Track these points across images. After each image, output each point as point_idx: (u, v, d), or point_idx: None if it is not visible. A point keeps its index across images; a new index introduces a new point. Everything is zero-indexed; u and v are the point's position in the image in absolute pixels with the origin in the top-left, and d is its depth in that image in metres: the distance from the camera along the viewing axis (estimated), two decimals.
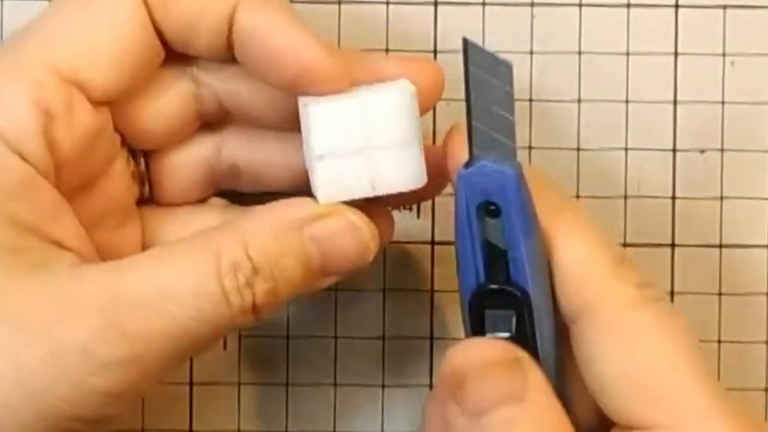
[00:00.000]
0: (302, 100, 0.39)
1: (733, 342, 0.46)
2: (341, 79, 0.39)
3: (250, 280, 0.37)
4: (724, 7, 0.46)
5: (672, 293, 0.46)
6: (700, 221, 0.46)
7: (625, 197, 0.46)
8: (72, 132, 0.38)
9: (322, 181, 0.38)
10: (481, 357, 0.37)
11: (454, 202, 0.37)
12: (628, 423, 0.37)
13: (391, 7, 0.46)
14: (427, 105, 0.40)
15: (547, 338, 0.38)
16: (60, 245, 0.38)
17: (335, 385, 0.46)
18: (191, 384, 0.47)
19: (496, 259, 0.37)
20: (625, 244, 0.46)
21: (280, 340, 0.46)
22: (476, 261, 0.37)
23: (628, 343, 0.37)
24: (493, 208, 0.37)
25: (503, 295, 0.37)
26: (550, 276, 0.38)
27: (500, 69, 0.37)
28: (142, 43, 0.39)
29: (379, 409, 0.46)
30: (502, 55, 0.37)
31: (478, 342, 0.38)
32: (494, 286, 0.37)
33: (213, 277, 0.37)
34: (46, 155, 0.38)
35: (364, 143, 0.38)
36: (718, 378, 0.46)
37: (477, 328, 0.38)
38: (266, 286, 0.37)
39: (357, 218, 0.38)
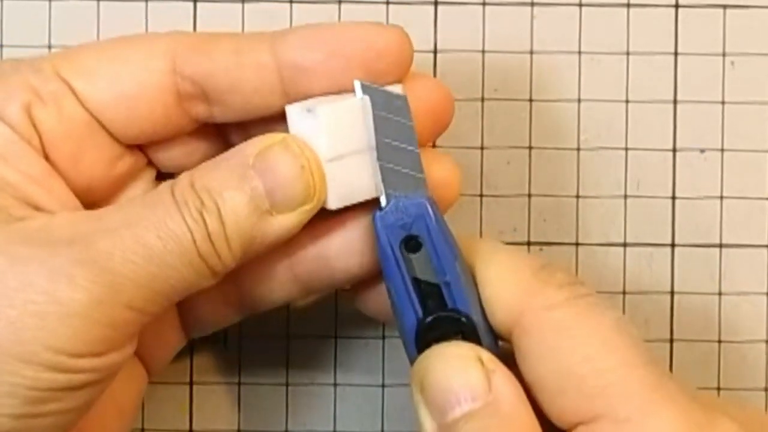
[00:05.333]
0: (298, 106, 0.39)
1: (733, 342, 0.46)
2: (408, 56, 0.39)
3: (200, 208, 0.37)
4: (724, 7, 0.46)
5: (672, 293, 0.46)
6: (700, 221, 0.46)
7: (625, 197, 0.46)
8: (58, 118, 0.39)
9: (332, 186, 0.38)
10: (445, 353, 0.37)
11: (377, 246, 0.38)
12: (569, 424, 0.36)
13: (391, 7, 0.46)
14: (438, 126, 0.40)
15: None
16: (40, 209, 0.38)
17: (335, 385, 0.47)
18: (191, 384, 0.47)
19: (428, 293, 0.38)
20: (625, 244, 0.46)
21: (280, 340, 0.46)
22: (411, 297, 0.38)
23: (553, 342, 0.36)
24: (413, 242, 0.38)
25: (446, 323, 0.38)
26: (479, 297, 0.38)
27: (395, 103, 0.38)
28: (151, 88, 0.39)
29: (379, 409, 0.46)
30: (394, 89, 0.38)
31: (443, 344, 0.38)
32: (439, 314, 0.38)
33: (172, 207, 0.37)
34: (29, 126, 0.38)
35: (368, 144, 0.38)
36: (718, 378, 0.46)
37: None
38: (214, 218, 0.37)
39: (301, 150, 0.38)
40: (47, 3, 0.46)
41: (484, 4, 0.46)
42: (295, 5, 0.46)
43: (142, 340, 0.40)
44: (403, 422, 0.46)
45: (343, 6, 0.46)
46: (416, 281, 0.38)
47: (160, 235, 0.37)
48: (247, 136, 0.39)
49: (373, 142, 0.38)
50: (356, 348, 0.46)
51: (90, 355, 0.36)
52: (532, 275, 0.37)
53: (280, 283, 0.41)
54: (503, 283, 0.38)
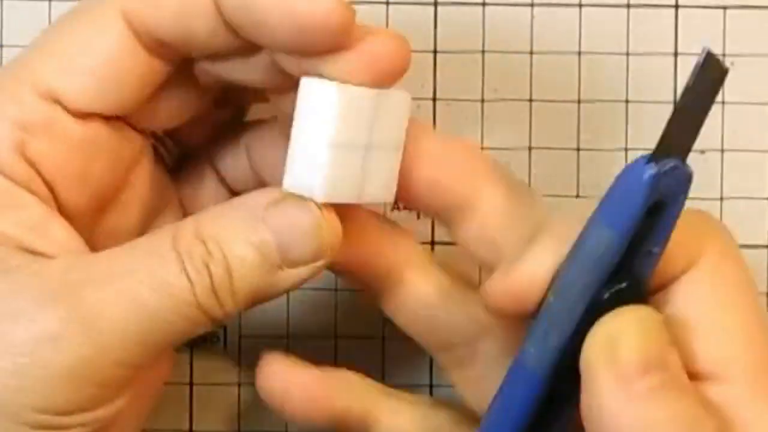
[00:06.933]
0: (317, 80, 0.37)
1: None
2: (348, 30, 0.36)
3: (206, 259, 0.36)
4: (724, 7, 0.46)
5: None
6: None
7: None
8: (54, 145, 0.38)
9: (328, 174, 0.36)
10: (639, 316, 0.35)
11: (612, 198, 0.35)
12: (701, 372, 0.36)
13: (391, 7, 0.46)
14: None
15: None
16: (38, 254, 0.37)
17: None
18: (191, 384, 0.47)
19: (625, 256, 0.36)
20: None
21: (280, 340, 0.46)
22: (615, 262, 0.35)
23: (725, 294, 0.37)
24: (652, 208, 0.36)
25: (619, 297, 0.36)
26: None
27: (717, 79, 0.35)
28: (121, 57, 0.38)
29: None
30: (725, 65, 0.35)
31: (632, 307, 0.36)
32: (622, 286, 0.36)
33: (170, 255, 0.36)
34: (25, 169, 0.38)
35: (367, 140, 0.37)
36: None
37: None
38: (221, 270, 0.36)
39: (316, 206, 0.37)
40: (47, 3, 0.46)
41: (484, 4, 0.46)
42: None
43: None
44: None
45: None
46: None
47: (154, 287, 0.36)
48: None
49: (374, 141, 0.37)
50: (356, 348, 0.46)
51: (79, 411, 0.36)
52: (706, 223, 0.38)
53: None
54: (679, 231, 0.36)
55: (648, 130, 0.46)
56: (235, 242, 0.36)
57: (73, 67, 0.38)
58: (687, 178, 0.35)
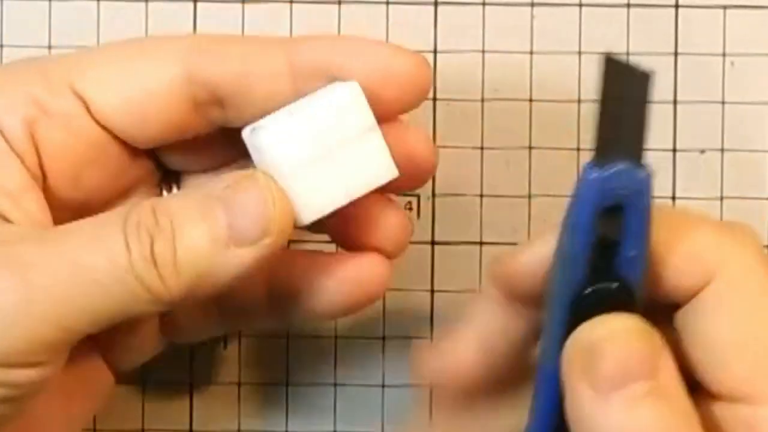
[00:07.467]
0: (249, 127, 0.38)
1: None
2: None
3: (151, 231, 0.36)
4: (724, 7, 0.46)
5: None
6: None
7: None
8: (63, 136, 0.38)
9: (299, 200, 0.37)
10: (623, 325, 0.35)
11: (572, 202, 0.36)
12: (730, 392, 0.35)
13: (391, 7, 0.46)
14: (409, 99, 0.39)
15: None
16: (5, 220, 0.37)
17: (335, 385, 0.46)
18: (191, 384, 0.47)
19: (598, 260, 0.36)
20: None
21: (280, 340, 0.46)
22: (583, 263, 0.36)
23: (752, 308, 0.35)
24: (611, 211, 0.36)
25: (613, 294, 0.36)
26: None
27: (640, 81, 0.36)
28: (162, 97, 0.39)
29: (379, 409, 0.46)
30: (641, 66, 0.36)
31: (612, 316, 0.36)
32: (611, 286, 0.36)
33: (116, 225, 0.36)
34: (26, 142, 0.38)
35: (324, 150, 0.37)
36: None
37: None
38: (165, 241, 0.36)
39: (266, 183, 0.37)
40: (47, 3, 0.46)
41: (484, 4, 0.46)
42: (295, 5, 0.46)
43: (113, 339, 0.39)
44: (404, 422, 0.46)
45: (343, 6, 0.46)
46: (598, 244, 0.36)
47: (92, 248, 0.36)
48: None
49: (332, 146, 0.37)
50: (356, 348, 0.46)
51: (1, 365, 0.35)
52: (726, 234, 0.36)
53: (261, 309, 0.41)
54: (695, 244, 0.36)
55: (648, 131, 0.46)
56: (185, 217, 0.36)
57: (111, 84, 0.38)
58: (640, 180, 0.36)
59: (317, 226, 0.39)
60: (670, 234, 0.36)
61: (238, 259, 0.36)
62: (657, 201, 0.37)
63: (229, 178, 0.37)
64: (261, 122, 0.38)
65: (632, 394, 0.34)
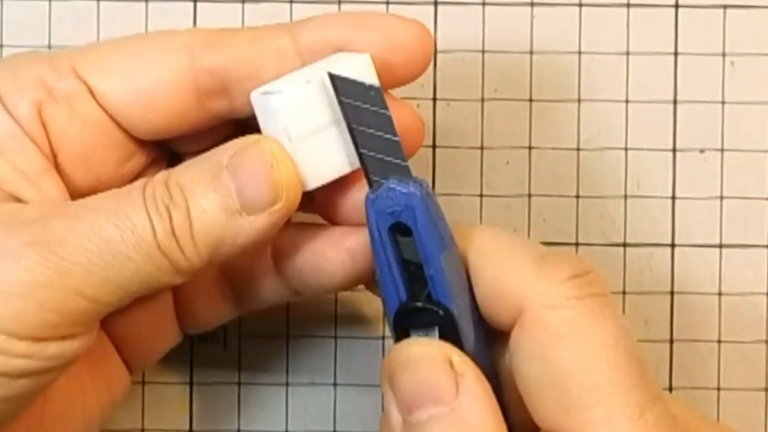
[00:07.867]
0: (259, 90, 0.38)
1: (733, 342, 0.46)
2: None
3: (167, 203, 0.37)
4: (724, 7, 0.46)
5: (672, 293, 0.46)
6: (700, 221, 0.46)
7: (625, 197, 0.46)
8: (69, 117, 0.39)
9: (305, 166, 0.38)
10: (416, 352, 0.37)
11: (368, 225, 0.37)
12: (546, 428, 0.36)
13: (391, 7, 0.46)
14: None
15: (471, 351, 0.37)
16: (20, 202, 0.38)
17: (335, 385, 0.47)
18: (191, 384, 0.47)
19: (417, 276, 0.37)
20: (625, 244, 0.46)
21: (280, 340, 0.46)
22: (395, 281, 0.37)
23: (545, 347, 0.36)
24: (404, 227, 0.37)
25: (426, 312, 0.37)
26: (472, 289, 0.38)
27: (370, 93, 0.37)
28: (167, 85, 0.39)
29: (378, 410, 0.46)
30: (367, 80, 0.37)
31: (416, 340, 0.37)
32: (416, 305, 0.37)
33: (138, 199, 0.37)
34: (37, 125, 0.38)
35: (332, 118, 0.38)
36: (718, 378, 0.46)
37: None
38: (181, 215, 0.37)
39: (272, 149, 0.37)
40: (47, 3, 0.46)
41: (484, 4, 0.46)
42: (295, 5, 0.46)
43: (132, 332, 0.40)
44: None
45: (343, 6, 0.46)
46: (406, 264, 0.37)
47: (119, 224, 0.36)
48: None
49: (339, 115, 0.38)
50: (356, 348, 0.46)
51: (29, 339, 0.36)
52: (533, 269, 0.36)
53: (271, 282, 0.41)
54: (500, 275, 0.37)
55: (648, 130, 0.46)
56: (196, 189, 0.37)
57: (116, 72, 0.39)
58: (407, 195, 0.37)
59: (305, 206, 0.39)
60: (480, 263, 0.37)
61: (252, 225, 0.37)
62: (473, 224, 0.38)
63: (235, 145, 0.38)
64: (273, 85, 0.38)
65: (418, 419, 0.36)
